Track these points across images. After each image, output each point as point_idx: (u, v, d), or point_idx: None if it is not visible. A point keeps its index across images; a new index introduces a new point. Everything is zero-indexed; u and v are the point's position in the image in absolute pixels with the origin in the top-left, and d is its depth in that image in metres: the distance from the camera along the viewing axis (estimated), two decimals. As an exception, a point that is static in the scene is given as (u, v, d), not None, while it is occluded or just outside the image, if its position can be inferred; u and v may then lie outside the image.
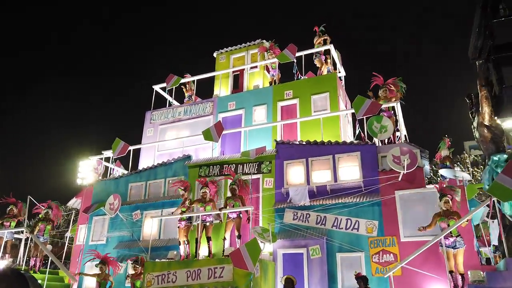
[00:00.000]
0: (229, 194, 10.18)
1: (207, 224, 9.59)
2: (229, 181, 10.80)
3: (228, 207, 9.40)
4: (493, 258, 11.00)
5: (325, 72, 13.04)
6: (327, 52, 13.25)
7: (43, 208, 12.58)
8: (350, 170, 9.73)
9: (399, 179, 9.04)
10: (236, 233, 9.25)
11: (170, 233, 11.17)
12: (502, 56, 4.05)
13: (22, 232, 11.99)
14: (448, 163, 11.91)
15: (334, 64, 13.36)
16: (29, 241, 11.72)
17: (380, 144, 10.14)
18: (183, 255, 9.82)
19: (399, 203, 8.96)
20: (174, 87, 14.95)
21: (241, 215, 9.38)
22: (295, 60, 13.03)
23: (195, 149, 13.06)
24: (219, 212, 9.42)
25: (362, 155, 9.71)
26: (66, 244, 13.44)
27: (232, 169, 11.01)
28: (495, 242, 11.29)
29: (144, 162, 13.99)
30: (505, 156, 10.64)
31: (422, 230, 7.74)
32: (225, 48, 15.14)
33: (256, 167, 10.82)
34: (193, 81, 15.43)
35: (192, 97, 15.34)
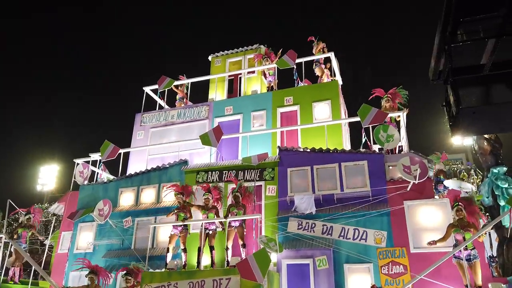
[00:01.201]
0: (230, 201, 9.80)
1: (210, 232, 9.10)
2: (230, 188, 10.44)
3: (230, 215, 8.96)
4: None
5: (325, 80, 12.93)
6: (327, 60, 13.16)
7: (23, 213, 11.75)
8: (357, 179, 9.55)
9: (408, 189, 8.93)
10: (240, 242, 8.82)
11: (165, 242, 10.58)
12: (459, 79, 4.29)
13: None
14: (442, 177, 12.01)
15: (334, 73, 13.27)
16: (9, 249, 10.84)
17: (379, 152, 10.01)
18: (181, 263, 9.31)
19: (408, 213, 8.83)
20: (166, 89, 14.44)
21: (244, 224, 8.97)
22: (295, 66, 12.85)
23: (189, 154, 12.56)
24: (224, 220, 8.95)
25: (369, 164, 9.55)
26: (46, 252, 12.53)
27: (233, 175, 10.60)
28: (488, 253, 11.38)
29: (134, 167, 13.35)
30: (505, 168, 10.82)
31: (432, 244, 7.59)
32: (221, 52, 14.80)
33: (258, 174, 10.46)
34: (186, 84, 15.05)
35: (184, 100, 14.92)
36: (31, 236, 11.47)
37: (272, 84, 13.39)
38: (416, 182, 8.57)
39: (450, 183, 9.82)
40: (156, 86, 14.57)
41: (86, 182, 12.80)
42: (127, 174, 12.18)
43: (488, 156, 10.90)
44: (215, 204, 9.49)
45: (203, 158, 12.44)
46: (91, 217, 11.55)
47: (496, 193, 10.52)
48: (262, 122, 12.41)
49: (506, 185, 10.42)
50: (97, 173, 13.53)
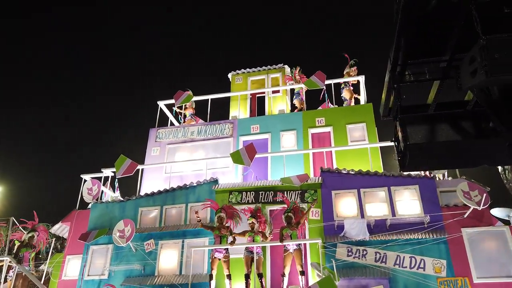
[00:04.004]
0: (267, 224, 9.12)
1: (257, 257, 8.30)
2: (267, 210, 9.81)
3: (285, 238, 8.24)
4: None
5: (353, 103, 12.74)
6: (356, 83, 13.03)
7: (25, 232, 10.47)
8: (409, 204, 9.15)
9: (465, 215, 8.62)
10: (299, 269, 8.07)
11: (194, 268, 9.59)
12: (407, 116, 4.56)
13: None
14: None
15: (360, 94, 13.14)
16: (14, 273, 9.47)
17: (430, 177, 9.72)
18: None
19: (467, 241, 8.47)
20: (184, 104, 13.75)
21: (301, 246, 8.28)
22: (324, 87, 12.59)
23: (212, 172, 11.78)
24: (279, 243, 8.20)
25: (421, 188, 9.21)
26: (44, 277, 11.05)
27: (271, 196, 9.93)
28: None
29: (148, 185, 12.37)
30: (542, 198, 10.83)
31: None
32: (242, 70, 14.35)
33: (299, 196, 9.84)
34: (194, 100, 14.48)
35: (193, 116, 14.29)
36: (34, 257, 10.17)
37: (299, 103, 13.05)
38: (480, 208, 8.28)
39: (496, 212, 9.62)
40: (170, 101, 13.91)
41: (94, 201, 11.64)
42: (148, 193, 11.12)
43: (524, 186, 10.89)
44: (261, 228, 8.75)
45: (227, 177, 11.70)
46: (104, 238, 10.43)
47: (534, 223, 10.44)
48: (293, 142, 11.92)
49: (544, 215, 10.37)
50: (103, 192, 12.39)
